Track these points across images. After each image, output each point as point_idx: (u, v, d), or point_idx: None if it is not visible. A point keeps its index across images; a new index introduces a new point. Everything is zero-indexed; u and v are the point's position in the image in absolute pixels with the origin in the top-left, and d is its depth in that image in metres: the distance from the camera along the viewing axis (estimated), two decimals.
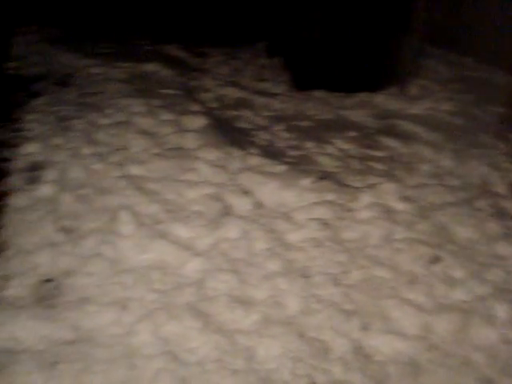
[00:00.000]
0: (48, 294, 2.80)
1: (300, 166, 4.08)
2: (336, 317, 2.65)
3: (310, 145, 4.60)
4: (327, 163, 4.25)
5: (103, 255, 2.99)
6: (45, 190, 3.67)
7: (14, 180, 3.91)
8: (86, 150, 4.17)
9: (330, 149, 4.48)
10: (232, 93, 5.49)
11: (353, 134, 4.82)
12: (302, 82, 5.82)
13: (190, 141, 4.23)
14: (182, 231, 3.19)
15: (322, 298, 2.77)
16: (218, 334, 2.50)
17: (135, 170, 3.85)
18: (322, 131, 4.96)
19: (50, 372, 2.33)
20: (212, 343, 2.47)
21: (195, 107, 4.90)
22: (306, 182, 3.71)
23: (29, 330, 2.54)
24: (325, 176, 3.83)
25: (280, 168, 3.91)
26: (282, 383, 2.34)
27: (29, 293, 2.80)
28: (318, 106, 5.58)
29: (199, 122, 4.56)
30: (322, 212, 3.40)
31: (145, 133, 4.42)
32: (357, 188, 3.77)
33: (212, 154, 4.01)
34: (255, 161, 4.01)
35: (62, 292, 2.80)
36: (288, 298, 2.76)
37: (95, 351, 2.43)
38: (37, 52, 6.05)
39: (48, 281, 2.89)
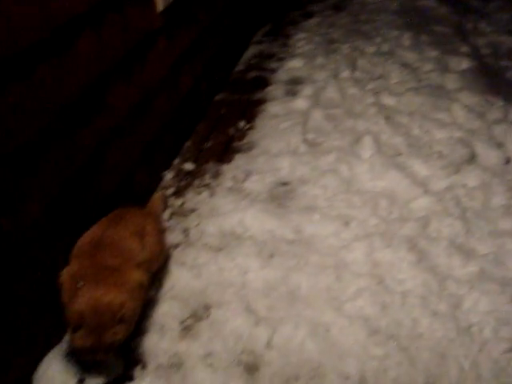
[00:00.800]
0: (281, 195, 3.04)
1: None
2: None
3: None
4: None
5: (338, 172, 3.11)
6: (300, 103, 3.90)
7: (275, 90, 4.22)
8: (346, 74, 4.30)
9: None
10: (508, 41, 5.04)
11: None
12: None
13: (450, 81, 4.08)
14: (419, 167, 3.15)
15: None
16: (430, 274, 2.48)
17: (388, 100, 3.87)
18: None
19: (266, 261, 2.56)
20: (421, 280, 2.45)
21: (464, 49, 4.66)
22: None
23: (257, 221, 2.80)
24: None
25: None
26: (480, 339, 2.24)
27: (265, 190, 3.07)
28: None
29: (465, 64, 4.34)
30: None
31: (406, 66, 4.37)
32: None
33: (471, 99, 3.81)
34: None
35: (294, 196, 3.02)
36: None
37: (309, 255, 2.60)
38: None
39: (284, 184, 3.13)
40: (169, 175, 3.21)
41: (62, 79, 2.02)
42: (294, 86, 4.23)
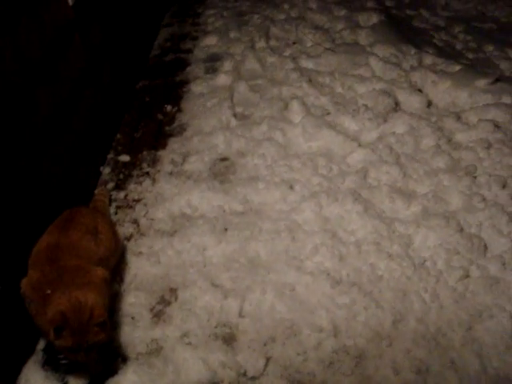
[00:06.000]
0: (223, 171, 3.08)
1: (477, 67, 3.90)
2: (499, 217, 2.60)
3: (489, 48, 4.37)
4: (508, 67, 4.01)
5: (274, 140, 3.18)
6: (222, 79, 3.91)
7: (195, 69, 4.21)
8: (262, 44, 4.34)
9: None
10: None
11: None
12: None
13: (363, 37, 4.22)
14: (349, 123, 3.27)
15: (487, 198, 2.73)
16: (377, 220, 2.60)
17: (307, 64, 3.95)
18: (506, 35, 4.64)
19: (221, 236, 2.61)
20: (370, 227, 2.58)
21: (370, 4, 4.81)
22: (482, 83, 3.53)
23: (204, 200, 2.84)
24: (503, 79, 3.62)
25: (455, 68, 3.76)
26: (435, 272, 2.40)
27: (205, 168, 3.10)
28: (503, 7, 5.18)
29: (374, 19, 4.49)
30: (496, 114, 3.26)
31: (318, 28, 4.47)
32: None
33: (385, 51, 3.96)
34: (430, 59, 3.90)
35: (236, 170, 3.07)
36: (451, 194, 2.76)
37: (262, 223, 2.67)
38: None
39: (223, 159, 3.16)
40: (106, 170, 3.17)
41: None
42: (212, 62, 4.23)
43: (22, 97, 2.19)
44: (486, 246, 2.52)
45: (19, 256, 2.06)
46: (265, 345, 2.12)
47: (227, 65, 4.09)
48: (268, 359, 2.07)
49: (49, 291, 1.88)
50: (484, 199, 2.71)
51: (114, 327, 2.16)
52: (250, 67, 4.02)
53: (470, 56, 4.25)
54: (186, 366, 2.04)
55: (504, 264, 2.44)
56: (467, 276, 2.39)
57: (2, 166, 2.00)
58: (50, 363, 2.05)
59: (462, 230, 2.57)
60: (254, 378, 2.02)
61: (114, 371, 2.02)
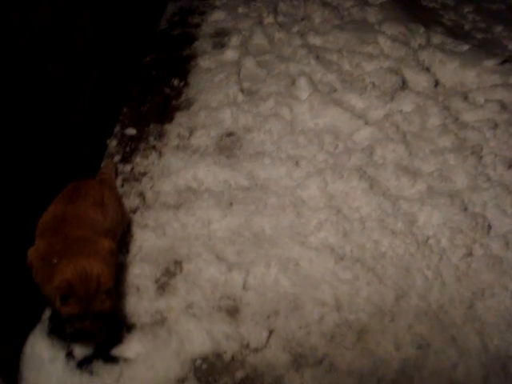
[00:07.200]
0: (229, 146, 3.08)
1: (485, 47, 3.87)
2: (503, 197, 2.61)
3: (498, 28, 4.34)
4: None
5: (280, 116, 3.17)
6: (230, 54, 3.90)
7: (202, 44, 4.19)
8: (270, 20, 4.31)
9: None
10: None
11: None
12: None
13: (371, 15, 4.19)
14: (356, 100, 3.27)
15: (492, 177, 2.73)
16: (382, 197, 2.61)
17: (315, 40, 3.94)
18: None
19: (226, 210, 2.62)
20: (375, 204, 2.59)
21: None
22: (490, 63, 3.52)
23: (210, 174, 2.84)
24: (511, 59, 3.59)
25: (463, 48, 3.75)
26: (438, 250, 2.41)
27: (212, 143, 3.10)
28: None
29: None
30: (503, 94, 3.25)
31: (326, 5, 4.43)
32: None
33: (394, 29, 3.94)
34: (438, 39, 3.88)
35: (242, 145, 3.07)
36: (456, 173, 2.76)
37: (267, 198, 2.68)
38: None
39: (230, 134, 3.17)
40: (113, 143, 3.18)
41: None
42: (220, 38, 4.22)
43: (30, 66, 2.19)
44: (489, 226, 2.53)
45: (26, 226, 2.08)
46: (268, 318, 2.14)
47: (235, 40, 4.08)
48: (271, 332, 2.09)
49: (55, 260, 1.91)
50: (489, 179, 2.72)
51: (119, 297, 2.18)
52: (257, 43, 4.01)
53: (479, 36, 4.23)
54: (190, 336, 2.06)
55: (507, 243, 2.45)
56: (470, 254, 2.40)
57: (11, 135, 2.01)
58: (56, 332, 2.08)
59: (466, 209, 2.58)
60: (256, 350, 2.05)
61: (118, 340, 2.05)
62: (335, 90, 3.36)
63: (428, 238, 2.45)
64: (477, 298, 2.23)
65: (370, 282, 2.25)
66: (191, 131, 3.19)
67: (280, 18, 4.34)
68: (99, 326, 1.94)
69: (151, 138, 3.19)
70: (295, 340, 2.07)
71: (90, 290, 1.82)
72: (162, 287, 2.29)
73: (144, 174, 2.93)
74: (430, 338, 2.08)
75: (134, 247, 2.46)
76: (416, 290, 2.24)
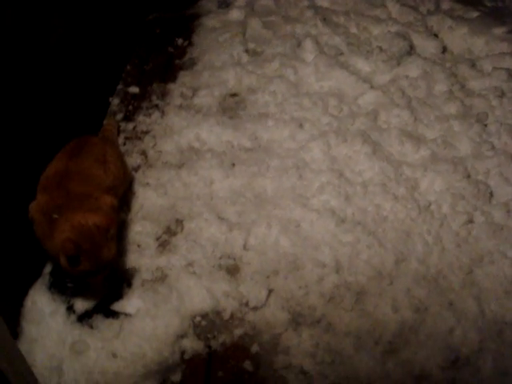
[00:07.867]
0: (233, 106, 3.06)
1: (495, 15, 3.80)
2: (507, 166, 2.59)
3: None
4: None
5: (285, 77, 3.14)
6: (235, 13, 3.84)
7: (207, 3, 4.12)
8: None
9: None
10: None
11: None
12: None
13: None
14: (362, 64, 3.22)
15: (496, 146, 2.71)
16: (385, 162, 2.60)
17: (323, 2, 3.87)
18: None
19: (228, 170, 2.61)
20: (378, 169, 2.58)
21: None
22: (499, 31, 3.47)
23: (213, 134, 2.83)
24: None
25: (473, 14, 3.69)
26: (440, 215, 2.42)
27: (215, 103, 3.08)
28: None
29: None
30: (511, 63, 3.20)
31: None
32: None
33: None
34: (447, 5, 3.82)
35: (246, 106, 3.05)
36: (460, 140, 2.74)
37: (270, 160, 2.66)
38: None
39: (233, 95, 3.14)
40: (115, 101, 3.16)
41: None
42: None
43: (36, 20, 2.17)
44: (491, 193, 2.52)
45: (28, 181, 2.07)
46: (268, 277, 2.15)
47: (240, 0, 4.01)
48: (270, 291, 2.11)
49: (56, 216, 1.91)
50: (493, 147, 2.70)
51: (121, 254, 2.19)
52: (263, 3, 3.94)
53: (489, 4, 4.14)
54: (190, 293, 2.08)
55: (508, 211, 2.44)
56: (471, 221, 2.40)
57: (15, 90, 1.99)
58: (57, 286, 2.09)
59: (469, 176, 2.57)
60: (255, 308, 2.06)
61: (119, 295, 2.07)
62: (341, 53, 3.32)
63: (430, 204, 2.45)
64: (476, 265, 2.23)
65: (370, 245, 2.25)
66: (194, 91, 3.15)
67: None
68: (101, 281, 1.97)
69: (154, 97, 3.16)
70: (294, 300, 2.09)
71: (95, 241, 1.82)
72: (163, 245, 2.30)
73: (146, 132, 2.91)
74: (428, 301, 2.09)
75: (136, 205, 2.46)
76: (416, 255, 2.24)
